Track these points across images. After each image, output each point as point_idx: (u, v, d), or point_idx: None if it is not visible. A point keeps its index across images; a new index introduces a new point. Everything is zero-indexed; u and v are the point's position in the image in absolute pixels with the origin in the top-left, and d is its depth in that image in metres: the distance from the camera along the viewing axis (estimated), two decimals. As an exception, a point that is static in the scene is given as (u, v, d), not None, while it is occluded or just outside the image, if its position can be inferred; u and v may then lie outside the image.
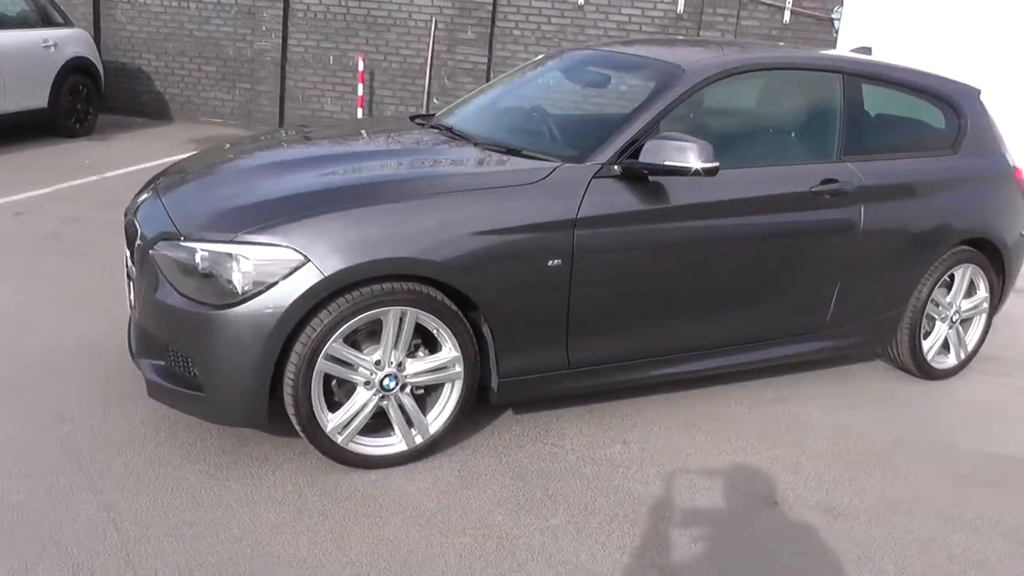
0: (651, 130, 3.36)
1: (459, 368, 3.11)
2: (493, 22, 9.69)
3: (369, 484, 3.01)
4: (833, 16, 8.98)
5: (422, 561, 2.63)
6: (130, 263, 3.32)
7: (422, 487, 3.03)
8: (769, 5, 9.19)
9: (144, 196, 3.46)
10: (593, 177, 3.24)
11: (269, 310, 2.79)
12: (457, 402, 3.16)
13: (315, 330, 2.84)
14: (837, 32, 8.95)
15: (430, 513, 2.87)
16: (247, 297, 2.80)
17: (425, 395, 3.18)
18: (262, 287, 2.80)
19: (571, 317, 3.25)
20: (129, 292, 3.29)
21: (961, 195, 4.13)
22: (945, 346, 4.33)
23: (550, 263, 3.14)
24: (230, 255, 2.82)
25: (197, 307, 2.86)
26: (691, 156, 3.13)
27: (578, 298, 3.22)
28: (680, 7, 9.39)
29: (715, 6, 9.26)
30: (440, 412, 3.16)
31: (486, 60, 9.77)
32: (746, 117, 3.92)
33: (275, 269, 2.80)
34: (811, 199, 3.67)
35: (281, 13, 9.84)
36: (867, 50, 4.73)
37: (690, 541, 2.85)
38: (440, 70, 9.88)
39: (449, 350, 3.08)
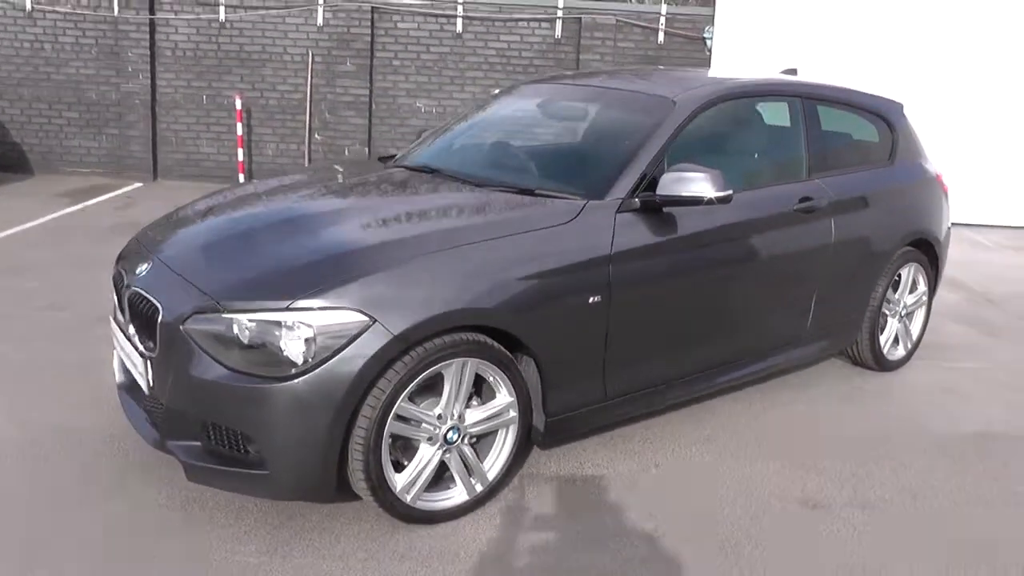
0: (658, 162, 3.48)
1: (514, 413, 3.10)
2: (372, 53, 9.61)
3: (441, 539, 2.94)
4: (705, 35, 9.54)
5: (532, 613, 2.60)
6: (137, 342, 3.07)
7: (493, 535, 2.98)
8: (644, 27, 9.64)
9: (142, 265, 3.20)
10: (617, 212, 3.32)
11: (338, 377, 2.67)
12: (512, 446, 3.14)
13: (384, 391, 2.75)
14: (710, 51, 9.50)
15: (519, 560, 2.84)
16: (312, 365, 2.67)
17: (476, 443, 3.14)
18: (327, 353, 2.67)
19: (608, 350, 3.30)
20: (146, 372, 3.01)
21: (903, 201, 4.53)
22: (895, 339, 4.72)
23: (591, 300, 3.18)
24: (287, 323, 2.68)
25: (251, 380, 2.70)
26: (706, 186, 3.27)
27: (614, 331, 3.29)
28: (558, 32, 9.68)
29: (592, 30, 9.61)
30: (496, 458, 3.13)
31: (367, 92, 9.66)
32: (731, 143, 4.12)
33: (340, 333, 2.68)
34: (795, 217, 3.91)
35: (147, 52, 9.33)
36: (793, 71, 5.07)
37: (764, 554, 2.97)
38: (320, 104, 9.68)
39: (504, 396, 3.06)
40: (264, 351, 2.71)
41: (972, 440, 3.95)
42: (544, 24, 9.68)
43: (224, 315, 2.75)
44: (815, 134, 4.19)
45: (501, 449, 3.14)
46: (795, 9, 9.13)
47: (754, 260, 3.77)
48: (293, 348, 2.67)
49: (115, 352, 3.45)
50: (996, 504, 3.38)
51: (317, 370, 2.67)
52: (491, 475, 3.12)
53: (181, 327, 2.81)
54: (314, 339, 2.67)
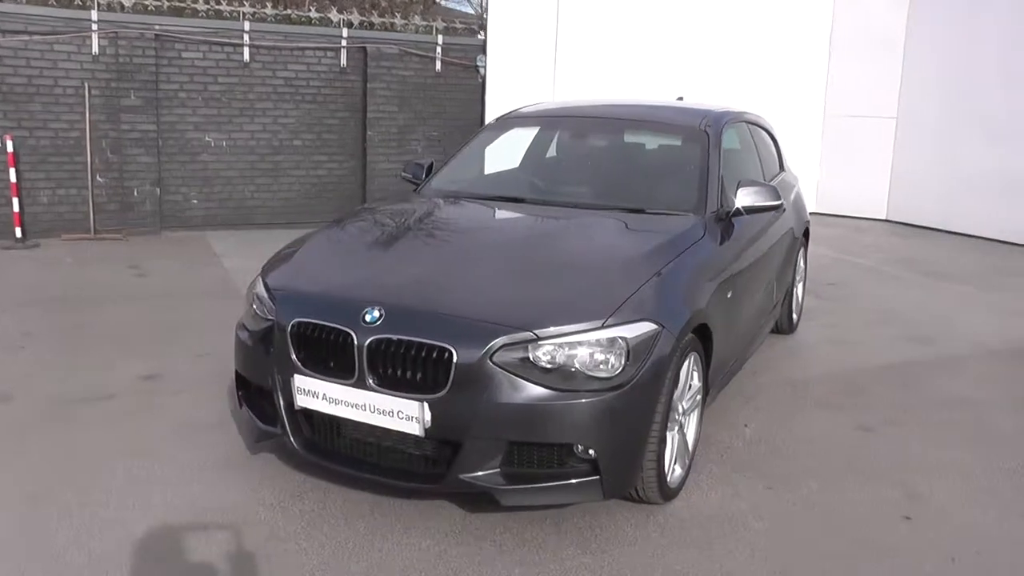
0: (721, 178, 4.38)
1: (700, 396, 3.79)
2: (157, 85, 9.02)
3: (687, 508, 3.55)
4: (478, 64, 10.45)
5: (799, 537, 3.38)
6: (397, 388, 3.16)
7: (714, 497, 3.65)
8: (422, 56, 10.27)
9: (368, 312, 3.20)
10: (716, 221, 4.16)
11: (650, 380, 3.18)
12: (699, 421, 3.83)
13: (667, 388, 3.31)
14: (483, 77, 10.44)
15: (749, 514, 3.54)
16: (632, 374, 3.14)
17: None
18: (640, 360, 3.17)
19: (729, 333, 4.12)
20: (421, 415, 3.08)
21: (798, 198, 5.93)
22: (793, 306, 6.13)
23: (728, 295, 3.99)
24: (606, 340, 3.12)
25: (580, 396, 3.08)
26: (771, 197, 4.26)
27: (734, 312, 4.13)
28: (343, 61, 9.93)
29: (377, 60, 10.02)
30: (692, 433, 3.80)
31: (155, 127, 9.04)
32: (729, 159, 5.09)
33: (646, 342, 3.19)
34: (775, 216, 5.05)
35: None
36: (681, 98, 6.23)
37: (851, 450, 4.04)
38: (101, 143, 8.84)
39: (696, 381, 3.74)
40: (586, 368, 3.10)
41: (884, 370, 5.42)
42: (330, 53, 9.86)
43: (542, 343, 3.09)
44: (759, 149, 5.38)
45: (693, 425, 3.81)
46: (556, 38, 10.45)
47: (767, 250, 4.84)
48: (614, 361, 3.13)
49: (305, 411, 3.39)
50: (943, 404, 4.85)
51: (636, 377, 3.15)
52: (691, 448, 3.79)
53: (489, 361, 3.07)
54: (629, 350, 3.15)
